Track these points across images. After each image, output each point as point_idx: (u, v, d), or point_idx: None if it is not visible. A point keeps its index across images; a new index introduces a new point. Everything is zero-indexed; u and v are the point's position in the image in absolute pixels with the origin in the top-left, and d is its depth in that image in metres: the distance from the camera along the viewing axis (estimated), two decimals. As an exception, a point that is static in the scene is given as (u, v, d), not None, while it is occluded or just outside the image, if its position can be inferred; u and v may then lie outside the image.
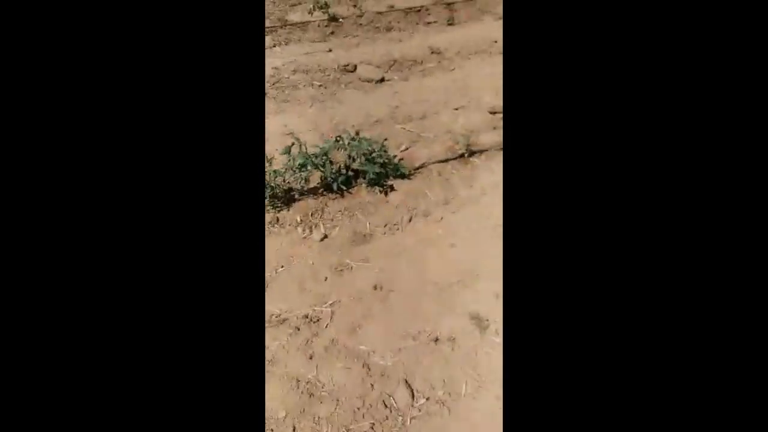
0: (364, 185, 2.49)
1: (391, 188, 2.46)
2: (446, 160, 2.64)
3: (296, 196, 2.43)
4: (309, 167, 2.35)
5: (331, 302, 1.90)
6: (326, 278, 2.01)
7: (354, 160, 2.45)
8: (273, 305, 1.91)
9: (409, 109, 3.11)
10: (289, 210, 2.36)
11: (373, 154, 2.44)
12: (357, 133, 2.43)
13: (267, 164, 2.36)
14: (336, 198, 2.43)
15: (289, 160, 2.37)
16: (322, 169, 2.40)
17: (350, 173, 2.53)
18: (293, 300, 1.92)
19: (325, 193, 2.44)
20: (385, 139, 2.68)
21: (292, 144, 2.39)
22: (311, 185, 2.47)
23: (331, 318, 1.84)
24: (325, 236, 2.20)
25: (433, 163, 2.62)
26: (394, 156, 2.59)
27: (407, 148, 2.78)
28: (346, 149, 2.45)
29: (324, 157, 2.40)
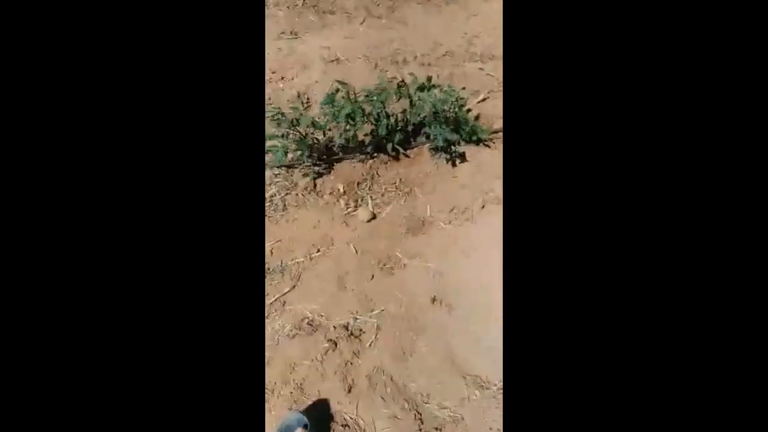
0: (426, 147, 1.95)
1: (461, 157, 1.91)
2: (534, 124, 2.03)
3: (339, 154, 1.91)
4: (357, 119, 1.79)
5: (377, 311, 1.51)
6: (372, 276, 1.59)
7: (418, 114, 1.87)
8: (305, 304, 1.53)
9: (488, 41, 2.38)
10: (330, 173, 1.87)
11: (445, 107, 1.84)
12: (429, 80, 1.81)
13: (303, 108, 1.82)
14: (389, 161, 1.91)
15: (332, 108, 1.80)
16: (374, 122, 1.83)
17: (410, 128, 1.97)
18: (331, 301, 1.54)
19: (375, 153, 1.91)
20: (463, 88, 2.04)
21: (336, 90, 1.80)
22: (358, 138, 1.94)
23: (377, 334, 1.46)
24: (374, 216, 1.73)
25: (518, 126, 2.02)
26: (468, 110, 1.98)
27: (485, 99, 2.15)
28: (409, 98, 1.85)
29: (379, 106, 1.82)
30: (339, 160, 1.89)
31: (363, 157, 1.89)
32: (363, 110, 1.80)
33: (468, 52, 2.32)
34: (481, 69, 2.26)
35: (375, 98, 1.77)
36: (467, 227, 1.70)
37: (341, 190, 1.77)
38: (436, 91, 1.82)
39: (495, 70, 2.25)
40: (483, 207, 1.76)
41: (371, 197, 1.77)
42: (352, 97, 1.79)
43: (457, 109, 1.84)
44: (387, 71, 2.27)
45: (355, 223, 1.72)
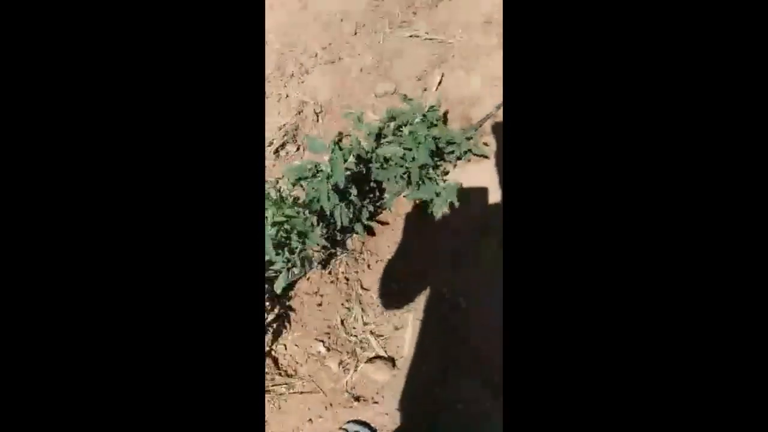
0: (391, 194, 1.23)
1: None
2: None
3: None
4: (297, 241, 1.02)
5: None
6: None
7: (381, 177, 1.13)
8: None
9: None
10: (287, 328, 1.12)
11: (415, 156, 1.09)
12: (379, 135, 1.05)
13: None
14: (363, 246, 1.18)
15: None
16: (320, 222, 1.07)
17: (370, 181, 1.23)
18: None
19: (337, 251, 1.17)
20: (425, 89, 1.28)
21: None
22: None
23: None
24: (393, 363, 1.04)
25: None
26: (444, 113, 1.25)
27: (441, 80, 1.41)
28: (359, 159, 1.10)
29: (315, 206, 1.04)
30: (289, 296, 1.13)
31: (322, 265, 1.15)
32: (292, 229, 1.02)
33: (384, 16, 1.53)
34: (413, 36, 1.49)
35: (303, 205, 1.01)
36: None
37: (323, 350, 1.05)
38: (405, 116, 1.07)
39: (431, 28, 1.50)
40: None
41: (372, 332, 1.07)
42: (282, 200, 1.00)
43: (434, 132, 1.11)
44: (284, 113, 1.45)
45: (368, 389, 1.03)
